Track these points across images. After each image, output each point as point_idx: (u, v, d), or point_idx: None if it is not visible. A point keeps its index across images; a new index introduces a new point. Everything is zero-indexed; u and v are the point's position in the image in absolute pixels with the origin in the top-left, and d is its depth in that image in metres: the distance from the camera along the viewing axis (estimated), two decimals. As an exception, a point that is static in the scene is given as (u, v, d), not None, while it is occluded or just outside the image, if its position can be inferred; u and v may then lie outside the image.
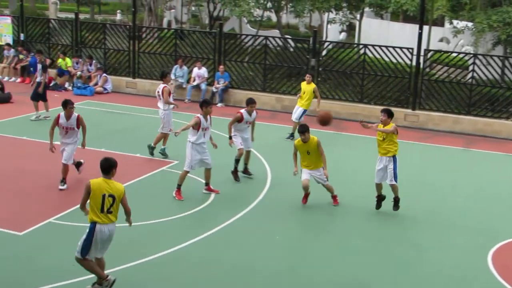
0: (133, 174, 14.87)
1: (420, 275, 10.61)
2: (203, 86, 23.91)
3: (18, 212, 12.52)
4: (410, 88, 22.29)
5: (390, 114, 12.98)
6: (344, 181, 14.97)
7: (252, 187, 14.55)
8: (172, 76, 24.34)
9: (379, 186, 13.28)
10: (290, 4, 29.95)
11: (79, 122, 13.90)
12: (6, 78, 26.13)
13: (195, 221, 12.44)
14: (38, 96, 19.89)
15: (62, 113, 13.71)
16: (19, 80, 26.51)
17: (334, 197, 13.66)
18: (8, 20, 28.06)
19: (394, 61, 22.59)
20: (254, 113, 15.15)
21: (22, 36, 27.35)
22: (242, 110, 15.03)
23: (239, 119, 14.87)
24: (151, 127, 19.68)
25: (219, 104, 23.49)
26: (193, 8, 51.82)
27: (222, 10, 37.95)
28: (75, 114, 13.86)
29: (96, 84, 24.96)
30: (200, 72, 24.09)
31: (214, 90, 23.71)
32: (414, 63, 22.08)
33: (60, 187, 13.78)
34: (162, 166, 15.69)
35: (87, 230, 9.13)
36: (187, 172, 13.69)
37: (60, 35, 27.58)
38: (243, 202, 13.46)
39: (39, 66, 20.19)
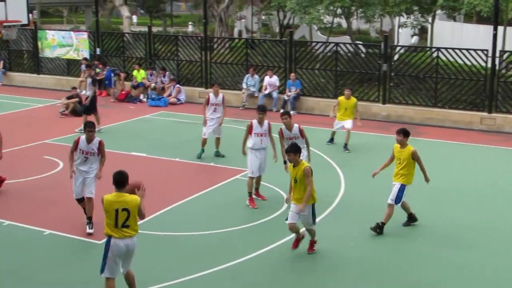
0: (207, 183, 15.07)
1: None
2: (274, 94, 24.03)
3: (95, 222, 12.85)
4: (485, 91, 21.81)
5: (406, 134, 12.23)
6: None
7: (326, 194, 14.48)
8: (244, 85, 24.59)
9: (404, 205, 12.49)
10: (360, 10, 29.78)
11: (100, 148, 12.24)
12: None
13: (269, 229, 12.47)
14: (87, 109, 19.90)
15: (83, 136, 12.19)
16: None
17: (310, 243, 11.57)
18: (85, 35, 28.90)
19: (468, 63, 22.14)
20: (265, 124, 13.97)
21: (98, 51, 28.12)
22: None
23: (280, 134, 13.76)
24: (224, 136, 19.90)
25: (291, 112, 23.50)
26: (263, 17, 52.14)
27: (292, 18, 38.06)
28: (97, 139, 12.23)
29: (169, 95, 25.43)
30: (271, 80, 24.22)
31: (286, 98, 23.79)
32: (489, 65, 21.61)
33: (89, 230, 12.11)
34: (236, 174, 15.84)
35: (105, 243, 9.08)
36: (252, 178, 13.78)
37: (134, 48, 28.24)
38: (317, 209, 13.40)
39: (89, 80, 20.27)
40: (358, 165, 16.71)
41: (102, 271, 9.06)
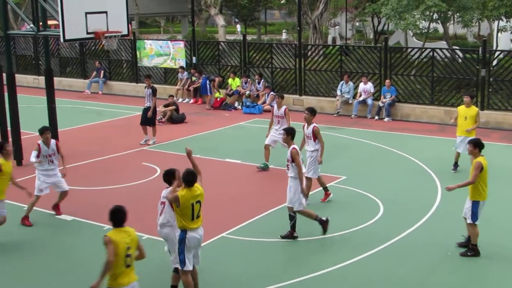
0: (301, 190, 15.04)
1: None
2: (369, 101, 23.80)
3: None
4: None
5: (476, 145, 11.34)
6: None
7: (422, 201, 14.24)
8: (338, 92, 24.48)
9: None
10: (458, 14, 29.12)
11: (58, 147, 13.55)
12: (180, 100, 27.48)
13: (364, 237, 12.35)
14: (147, 120, 19.88)
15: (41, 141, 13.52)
16: (192, 101, 27.78)
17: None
18: (181, 44, 29.52)
19: None
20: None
21: (194, 59, 28.67)
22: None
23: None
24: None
25: (386, 119, 23.25)
26: (357, 24, 51.83)
27: (386, 24, 37.62)
28: (53, 140, 13.63)
29: (264, 102, 25.61)
30: (366, 87, 24.02)
31: (381, 104, 23.52)
32: None
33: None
34: (330, 181, 15.76)
35: (178, 240, 9.47)
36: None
37: (229, 56, 28.62)
38: (413, 217, 13.22)
39: (149, 91, 19.90)
40: (456, 174, 16.30)
41: (183, 264, 9.42)
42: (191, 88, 27.95)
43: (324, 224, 12.22)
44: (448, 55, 24.23)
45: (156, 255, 10.82)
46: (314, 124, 14.17)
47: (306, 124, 14.25)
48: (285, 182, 14.74)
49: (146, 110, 19.93)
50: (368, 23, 48.64)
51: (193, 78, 28.05)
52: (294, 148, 11.98)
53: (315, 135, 14.07)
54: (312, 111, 14.28)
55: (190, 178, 9.46)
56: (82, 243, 12.33)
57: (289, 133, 12.23)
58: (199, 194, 9.47)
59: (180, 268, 9.53)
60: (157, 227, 10.09)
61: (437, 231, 12.61)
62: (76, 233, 12.87)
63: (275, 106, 17.12)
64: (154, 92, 19.90)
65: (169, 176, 9.81)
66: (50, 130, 14.23)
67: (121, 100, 28.54)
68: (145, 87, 20.28)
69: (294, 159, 11.93)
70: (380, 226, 12.85)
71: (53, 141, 13.67)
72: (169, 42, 30.35)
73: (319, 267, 10.90)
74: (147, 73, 25.54)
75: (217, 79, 27.27)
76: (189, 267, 9.49)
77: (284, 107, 17.00)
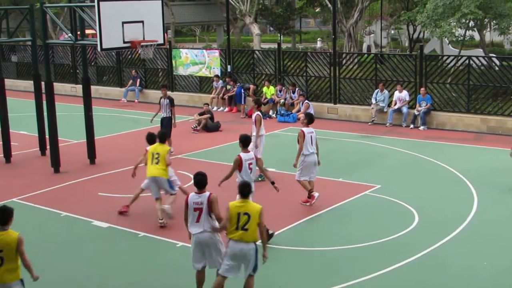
0: (336, 199, 15.03)
1: None
2: (404, 109, 23.67)
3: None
4: None
5: None
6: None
7: (458, 211, 14.12)
8: (373, 101, 24.40)
9: None
10: (494, 22, 28.81)
11: None
12: (215, 108, 27.64)
13: (400, 246, 12.28)
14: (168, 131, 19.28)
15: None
16: (226, 109, 27.92)
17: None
18: (216, 53, 29.71)
19: None
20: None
21: (229, 68, 28.81)
22: None
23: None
24: (353, 151, 19.86)
25: (421, 127, 23.09)
26: (392, 32, 51.60)
27: (422, 32, 37.39)
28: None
29: (298, 110, 25.61)
30: (401, 95, 23.89)
31: (416, 113, 23.37)
32: None
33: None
34: (364, 190, 15.72)
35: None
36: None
37: (264, 65, 28.71)
38: (448, 227, 13.11)
39: (167, 101, 19.66)
40: (492, 183, 16.14)
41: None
42: (226, 96, 28.09)
43: None
44: (485, 62, 24.00)
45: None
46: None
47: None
48: (320, 190, 14.78)
49: (165, 120, 19.77)
50: (403, 31, 48.33)
51: (228, 87, 28.18)
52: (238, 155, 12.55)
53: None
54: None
55: (249, 191, 9.75)
56: (114, 250, 12.47)
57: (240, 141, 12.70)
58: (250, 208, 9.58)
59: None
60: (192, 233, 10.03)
61: (472, 241, 12.49)
62: (110, 239, 13.02)
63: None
64: (172, 102, 19.80)
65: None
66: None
67: (156, 108, 28.69)
68: (161, 97, 20.02)
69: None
70: (415, 235, 12.77)
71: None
72: (204, 51, 30.55)
73: (354, 276, 10.87)
74: (163, 83, 25.75)
75: (251, 87, 27.39)
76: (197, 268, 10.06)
77: (256, 113, 16.79)
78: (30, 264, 8.63)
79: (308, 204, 14.57)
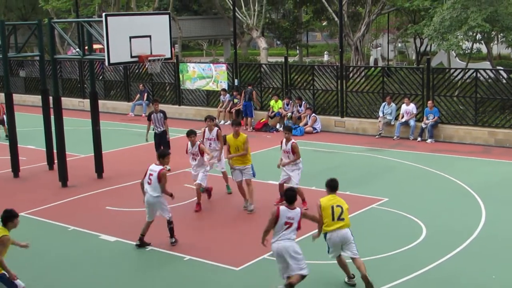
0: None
1: None
2: (412, 122, 23.65)
3: (235, 247, 13.15)
4: None
5: None
6: None
7: (466, 224, 14.06)
8: (380, 114, 24.39)
9: None
10: (501, 34, 28.81)
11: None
12: (222, 122, 27.68)
13: (408, 259, 12.23)
14: (163, 146, 19.05)
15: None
16: (234, 123, 27.95)
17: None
18: (224, 67, 29.79)
19: None
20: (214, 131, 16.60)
21: (236, 82, 28.88)
22: None
23: None
24: (360, 164, 19.85)
25: (429, 140, 23.06)
26: (399, 45, 51.62)
27: (429, 45, 37.40)
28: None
29: (306, 124, 25.64)
30: (408, 108, 23.88)
31: (423, 126, 23.34)
32: None
33: None
34: (372, 203, 15.69)
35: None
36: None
37: (271, 78, 28.75)
38: (457, 240, 13.05)
39: (160, 115, 19.35)
40: (501, 196, 16.09)
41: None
42: (233, 110, 28.13)
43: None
44: (492, 75, 23.96)
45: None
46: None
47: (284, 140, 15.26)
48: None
49: (159, 136, 19.53)
50: (410, 44, 48.36)
51: (235, 101, 28.24)
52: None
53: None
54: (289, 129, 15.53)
55: (333, 184, 11.33)
56: (121, 263, 12.46)
57: None
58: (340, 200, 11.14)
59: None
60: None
61: (481, 254, 12.43)
62: (118, 253, 13.02)
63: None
64: (165, 115, 19.60)
65: None
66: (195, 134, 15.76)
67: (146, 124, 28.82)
68: (152, 112, 19.63)
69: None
70: (422, 249, 12.72)
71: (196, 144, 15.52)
72: (211, 65, 30.64)
73: (361, 290, 10.84)
74: (155, 98, 25.86)
75: (254, 92, 27.48)
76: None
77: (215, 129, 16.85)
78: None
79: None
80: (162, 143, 19.41)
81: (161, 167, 13.00)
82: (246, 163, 15.61)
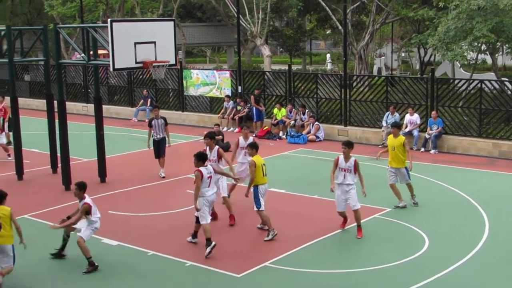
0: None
1: None
2: (415, 132, 23.62)
3: (237, 253, 13.12)
4: None
5: None
6: None
7: (469, 235, 14.01)
8: (384, 123, 24.36)
9: None
10: (507, 45, 28.83)
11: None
12: (225, 129, 27.67)
13: (410, 270, 12.17)
14: (162, 152, 19.27)
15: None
16: (237, 130, 27.94)
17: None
18: (227, 74, 29.80)
19: None
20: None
21: (239, 89, 28.88)
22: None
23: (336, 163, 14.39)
24: (363, 174, 19.76)
25: (432, 151, 23.01)
26: (403, 54, 51.68)
27: (433, 55, 37.43)
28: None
29: (309, 132, 25.63)
30: (412, 118, 23.86)
31: (427, 136, 23.31)
32: None
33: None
34: (374, 213, 15.64)
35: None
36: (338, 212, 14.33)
37: (275, 86, 28.76)
38: (459, 251, 13.00)
39: (161, 121, 19.25)
40: (504, 208, 16.04)
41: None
42: (236, 117, 28.13)
43: None
44: (497, 86, 23.92)
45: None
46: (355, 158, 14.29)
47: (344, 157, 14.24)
48: (330, 212, 14.74)
49: (158, 142, 19.38)
50: (414, 53, 48.43)
51: (239, 107, 28.24)
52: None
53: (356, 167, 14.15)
54: (349, 144, 14.32)
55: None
56: (123, 268, 12.44)
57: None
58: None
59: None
60: None
61: (484, 266, 12.39)
62: (120, 257, 12.99)
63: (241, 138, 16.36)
64: (166, 121, 19.49)
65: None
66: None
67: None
68: (152, 118, 19.51)
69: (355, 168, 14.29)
70: (425, 260, 12.67)
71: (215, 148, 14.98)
72: (215, 71, 30.66)
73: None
74: (155, 104, 25.91)
75: (256, 91, 27.48)
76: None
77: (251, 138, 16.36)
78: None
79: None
80: (160, 150, 19.33)
81: None
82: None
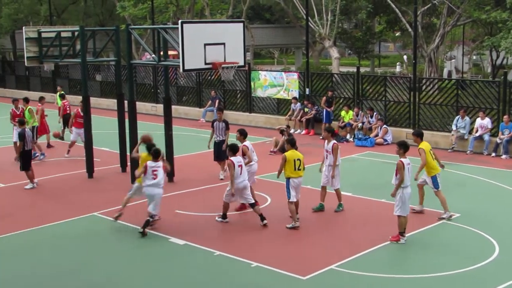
0: (414, 226, 14.66)
1: None
2: (486, 137, 23.11)
3: (302, 256, 13.12)
4: None
5: None
6: None
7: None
8: (454, 127, 23.93)
9: None
10: None
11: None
12: (292, 130, 27.66)
13: (476, 278, 11.92)
14: (222, 155, 18.92)
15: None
16: (304, 132, 27.93)
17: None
18: (295, 76, 29.81)
19: None
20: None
21: (307, 91, 28.85)
22: None
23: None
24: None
25: (504, 156, 22.47)
26: (474, 57, 50.65)
27: (506, 58, 36.57)
28: None
29: (376, 135, 25.40)
30: (483, 122, 23.36)
31: (498, 141, 22.78)
32: None
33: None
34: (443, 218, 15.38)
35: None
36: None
37: (342, 88, 28.62)
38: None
39: (223, 124, 19.38)
40: None
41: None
42: (303, 119, 28.11)
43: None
44: None
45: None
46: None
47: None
48: (395, 217, 14.59)
49: (217, 144, 19.50)
50: (485, 56, 47.44)
51: (306, 109, 28.20)
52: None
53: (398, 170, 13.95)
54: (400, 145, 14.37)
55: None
56: (192, 268, 12.59)
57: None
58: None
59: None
60: None
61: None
62: (186, 257, 13.16)
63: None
64: (228, 125, 19.64)
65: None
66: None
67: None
68: (215, 120, 19.74)
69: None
70: (494, 268, 12.38)
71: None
72: (283, 73, 30.72)
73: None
74: (220, 106, 26.07)
75: (329, 92, 27.32)
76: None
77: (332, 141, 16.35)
78: None
79: (397, 241, 13.87)
80: (219, 152, 19.40)
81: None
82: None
